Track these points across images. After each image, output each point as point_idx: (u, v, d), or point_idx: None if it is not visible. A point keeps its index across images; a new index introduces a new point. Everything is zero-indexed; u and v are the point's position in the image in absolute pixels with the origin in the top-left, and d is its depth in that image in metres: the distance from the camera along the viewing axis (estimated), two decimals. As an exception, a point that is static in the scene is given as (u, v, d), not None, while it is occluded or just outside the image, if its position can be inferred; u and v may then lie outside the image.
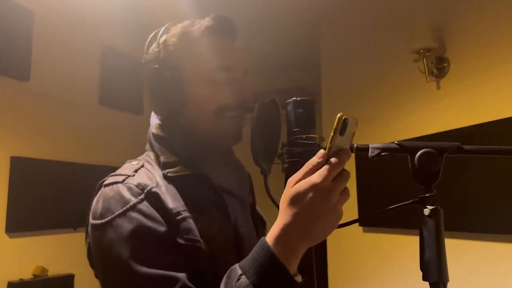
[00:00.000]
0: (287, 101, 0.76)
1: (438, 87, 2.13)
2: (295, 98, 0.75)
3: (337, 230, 0.66)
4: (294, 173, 0.74)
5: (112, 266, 0.66)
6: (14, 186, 2.52)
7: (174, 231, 0.69)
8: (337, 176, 0.57)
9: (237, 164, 0.91)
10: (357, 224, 2.35)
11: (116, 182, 0.71)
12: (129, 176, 0.72)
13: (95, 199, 0.72)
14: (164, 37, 0.80)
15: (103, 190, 0.71)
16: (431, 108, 2.16)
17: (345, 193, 0.59)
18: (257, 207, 0.95)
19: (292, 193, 0.57)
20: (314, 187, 0.55)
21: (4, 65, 2.46)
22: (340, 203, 0.58)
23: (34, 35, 2.64)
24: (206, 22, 0.80)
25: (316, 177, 0.56)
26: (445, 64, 2.08)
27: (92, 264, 0.73)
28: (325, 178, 0.55)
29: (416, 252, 0.64)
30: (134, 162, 0.77)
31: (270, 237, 0.58)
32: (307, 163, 0.59)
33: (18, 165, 2.57)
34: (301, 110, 0.74)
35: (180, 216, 0.70)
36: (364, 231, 2.56)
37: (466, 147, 0.66)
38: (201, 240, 0.70)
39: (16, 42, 2.52)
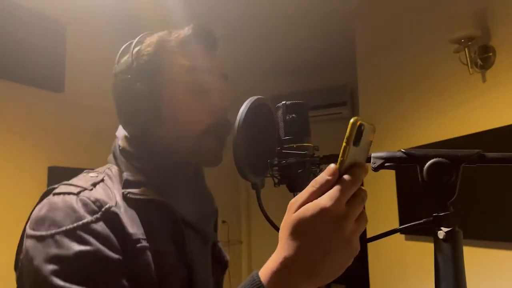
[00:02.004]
0: (276, 105, 0.67)
1: (484, 80, 1.93)
2: (284, 102, 0.65)
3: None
4: (288, 189, 0.65)
5: (39, 285, 0.55)
6: (53, 195, 2.58)
7: (130, 260, 0.60)
8: (352, 198, 0.46)
9: (206, 195, 0.82)
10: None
11: (69, 193, 0.62)
12: (85, 189, 0.63)
13: (39, 206, 0.62)
14: (138, 47, 0.74)
15: (51, 199, 0.62)
16: (476, 103, 1.95)
17: (361, 219, 0.47)
18: (219, 245, 0.86)
19: (295, 220, 0.45)
20: (323, 212, 0.44)
21: (39, 77, 2.53)
22: (356, 233, 0.46)
23: (67, 48, 2.70)
24: (184, 31, 0.73)
25: (326, 200, 0.44)
26: (491, 54, 1.88)
27: None
28: (337, 201, 0.44)
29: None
30: (93, 174, 0.68)
31: (265, 270, 0.47)
32: (313, 181, 0.47)
33: (55, 174, 2.63)
34: (293, 115, 0.65)
35: (139, 244, 0.62)
36: (406, 239, 2.38)
37: (489, 155, 0.54)
38: (155, 277, 0.61)
39: (50, 55, 2.59)
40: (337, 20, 3.05)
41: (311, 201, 0.46)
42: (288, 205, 0.48)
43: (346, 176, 0.45)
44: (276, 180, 0.64)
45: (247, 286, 0.47)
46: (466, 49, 1.92)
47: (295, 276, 0.45)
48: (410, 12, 2.45)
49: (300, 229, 0.45)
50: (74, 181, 0.67)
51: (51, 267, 0.54)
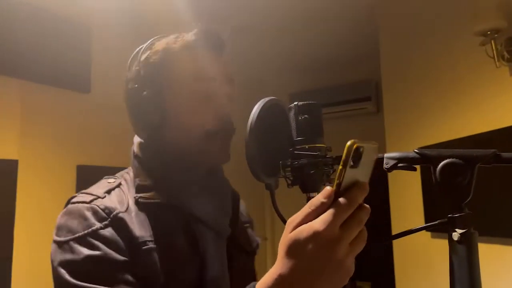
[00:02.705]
0: (289, 106, 0.67)
1: (511, 73, 1.86)
2: (297, 103, 0.65)
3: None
4: (301, 190, 0.65)
5: (57, 285, 0.63)
6: (81, 193, 2.66)
7: (136, 261, 0.64)
8: (347, 221, 0.46)
9: (220, 188, 0.83)
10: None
11: (83, 202, 0.68)
12: (98, 197, 0.69)
13: (60, 214, 0.69)
14: (145, 55, 0.76)
15: (69, 208, 0.69)
16: (503, 97, 1.89)
17: (358, 240, 0.47)
18: (250, 231, 0.87)
19: (290, 240, 0.47)
20: (315, 236, 0.45)
21: (65, 78, 2.61)
22: (349, 255, 0.46)
23: (93, 49, 2.77)
24: (188, 36, 0.75)
25: (319, 224, 0.45)
26: (519, 46, 1.81)
27: None
28: (330, 225, 0.45)
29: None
30: (111, 180, 0.74)
31: (261, 284, 0.50)
32: (309, 202, 0.48)
33: (83, 173, 2.71)
34: (305, 116, 0.65)
35: (145, 247, 0.66)
36: (432, 236, 2.34)
37: (504, 155, 0.52)
38: (160, 276, 0.64)
39: (76, 57, 2.66)
40: (360, 13, 3.00)
41: (306, 222, 0.47)
42: (286, 224, 0.49)
43: (341, 199, 0.45)
44: (289, 181, 0.65)
45: None
46: (492, 41, 1.86)
47: None
48: (434, 4, 2.39)
49: (294, 250, 0.46)
50: (91, 189, 0.73)
51: (66, 269, 0.62)
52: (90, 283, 0.60)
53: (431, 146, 2.30)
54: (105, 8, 2.66)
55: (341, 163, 0.45)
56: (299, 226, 0.47)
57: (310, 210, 0.47)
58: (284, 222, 0.69)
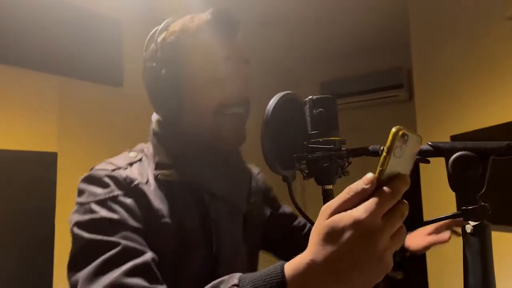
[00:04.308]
0: (304, 100, 0.68)
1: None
2: (311, 97, 0.66)
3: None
4: (317, 182, 0.66)
5: (74, 242, 0.66)
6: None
7: (151, 232, 0.67)
8: (390, 212, 0.43)
9: (238, 166, 0.85)
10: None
11: (105, 170, 0.72)
12: (120, 168, 0.72)
13: (82, 179, 0.73)
14: (162, 35, 0.79)
15: (91, 174, 0.72)
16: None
17: (398, 235, 0.44)
18: (279, 203, 0.91)
19: (327, 227, 0.43)
20: (356, 224, 0.42)
21: (99, 73, 2.70)
22: (390, 250, 0.43)
23: (124, 43, 2.84)
24: (204, 16, 0.77)
25: (361, 212, 0.42)
26: (558, 29, 1.72)
27: None
28: (373, 214, 0.41)
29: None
30: (133, 154, 0.78)
31: (290, 266, 0.46)
32: (348, 188, 0.44)
33: (118, 164, 2.83)
34: (320, 109, 0.66)
35: (163, 220, 0.68)
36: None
37: (519, 147, 0.52)
38: (174, 251, 0.68)
39: (108, 51, 2.75)
40: (391, 0, 2.93)
41: (345, 209, 0.43)
42: (321, 210, 0.46)
43: (385, 188, 0.42)
44: (305, 174, 0.66)
45: (270, 270, 0.47)
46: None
47: (318, 281, 0.44)
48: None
49: (331, 237, 0.43)
50: (113, 159, 0.76)
51: (82, 227, 0.66)
52: (104, 236, 0.63)
53: (463, 135, 2.24)
54: (135, 2, 2.73)
55: (386, 149, 0.42)
56: (337, 213, 0.44)
57: (349, 196, 0.44)
58: (302, 213, 0.71)
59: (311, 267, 0.44)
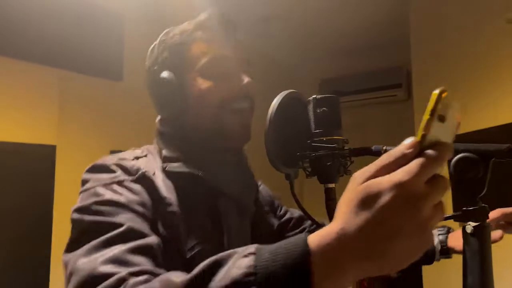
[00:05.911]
0: (308, 99, 0.69)
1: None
2: (315, 96, 0.67)
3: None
4: (319, 181, 0.67)
5: (73, 228, 0.63)
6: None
7: (159, 220, 0.66)
8: (433, 179, 0.38)
9: (245, 169, 0.86)
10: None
11: (111, 159, 0.72)
12: (126, 159, 0.72)
13: (86, 170, 0.72)
14: (163, 41, 0.82)
15: (96, 163, 0.72)
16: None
17: (439, 208, 0.39)
18: (284, 208, 0.89)
19: (363, 191, 0.37)
20: (398, 187, 0.36)
21: (99, 67, 2.70)
22: (432, 221, 0.38)
23: (125, 38, 2.84)
24: (200, 16, 0.79)
25: (402, 174, 0.36)
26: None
27: None
28: (416, 177, 0.36)
29: None
30: (138, 151, 0.78)
31: (316, 236, 0.39)
32: (385, 154, 0.39)
33: (116, 158, 2.82)
34: (324, 108, 0.66)
35: (170, 208, 0.68)
36: (461, 226, 2.30)
37: (520, 149, 0.53)
38: (180, 240, 0.67)
39: (109, 45, 2.74)
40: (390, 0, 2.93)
41: (381, 175, 0.38)
42: (352, 177, 0.40)
43: (429, 151, 0.37)
44: (307, 172, 0.67)
45: (292, 240, 0.40)
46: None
47: (349, 253, 0.37)
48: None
49: (366, 203, 0.37)
50: (118, 154, 0.76)
51: (83, 212, 0.62)
52: (107, 217, 0.59)
53: (462, 135, 2.25)
54: (137, -3, 2.72)
55: (428, 112, 0.37)
56: (372, 178, 0.38)
57: (387, 161, 0.38)
58: (304, 211, 0.71)
59: (340, 236, 0.37)
